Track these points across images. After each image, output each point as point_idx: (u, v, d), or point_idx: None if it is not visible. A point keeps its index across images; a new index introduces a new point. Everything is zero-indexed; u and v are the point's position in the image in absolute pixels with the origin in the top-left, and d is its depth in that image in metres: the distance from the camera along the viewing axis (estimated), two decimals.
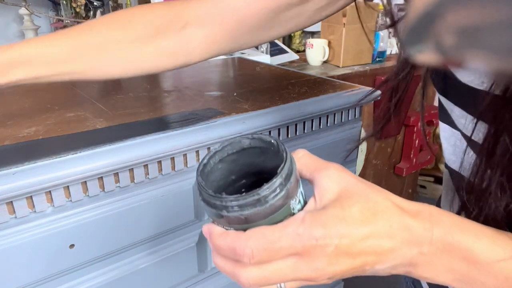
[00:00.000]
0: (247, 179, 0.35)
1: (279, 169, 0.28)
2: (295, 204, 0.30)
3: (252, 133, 0.33)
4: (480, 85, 0.34)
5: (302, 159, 0.32)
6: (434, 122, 1.90)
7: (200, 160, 0.33)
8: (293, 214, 0.30)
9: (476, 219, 0.32)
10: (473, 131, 0.36)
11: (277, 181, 0.28)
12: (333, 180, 0.29)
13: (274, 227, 0.27)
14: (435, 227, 0.28)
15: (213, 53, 0.56)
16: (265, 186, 0.28)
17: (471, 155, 0.38)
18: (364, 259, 0.28)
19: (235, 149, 0.32)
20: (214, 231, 0.29)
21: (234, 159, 0.33)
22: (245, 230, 0.28)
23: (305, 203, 0.31)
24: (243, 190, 0.34)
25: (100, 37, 0.49)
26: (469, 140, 0.37)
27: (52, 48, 0.48)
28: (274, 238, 0.27)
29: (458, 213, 0.37)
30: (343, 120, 0.85)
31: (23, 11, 1.54)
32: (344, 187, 0.29)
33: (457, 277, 0.29)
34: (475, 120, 0.35)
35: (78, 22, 1.77)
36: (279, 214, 0.29)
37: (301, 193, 0.31)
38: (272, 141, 0.31)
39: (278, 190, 0.28)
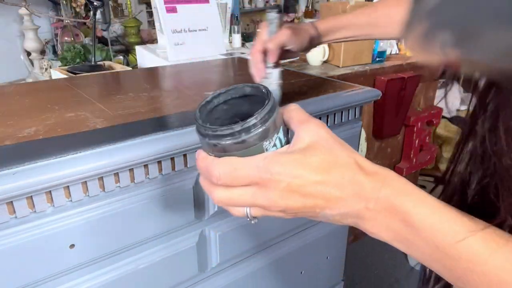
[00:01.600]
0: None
1: (257, 112, 0.32)
2: (269, 146, 0.33)
3: (253, 83, 0.37)
4: None
5: (292, 112, 0.35)
6: (434, 122, 1.90)
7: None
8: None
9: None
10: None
11: (251, 121, 0.32)
12: (308, 132, 0.33)
13: (241, 158, 0.32)
14: (384, 187, 0.31)
15: None
16: (241, 123, 0.32)
17: None
18: (313, 201, 0.31)
19: (238, 94, 0.37)
20: (200, 155, 0.35)
21: (237, 103, 0.37)
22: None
23: None
24: None
25: (386, 12, 0.73)
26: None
27: (356, 19, 0.74)
28: (238, 166, 0.32)
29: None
30: (343, 120, 0.85)
31: (23, 11, 1.54)
32: (315, 140, 0.32)
33: (396, 237, 0.31)
34: None
35: (78, 22, 1.77)
36: (250, 150, 0.33)
37: (279, 138, 0.34)
38: (263, 90, 0.35)
39: (252, 129, 0.32)
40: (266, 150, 0.33)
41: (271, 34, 0.66)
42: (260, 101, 0.34)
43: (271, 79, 0.68)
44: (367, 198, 0.31)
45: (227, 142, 0.32)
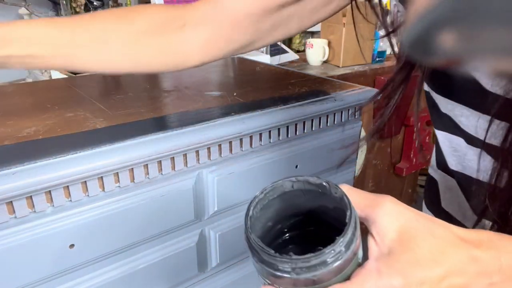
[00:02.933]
0: (282, 224, 0.33)
1: (347, 218, 0.27)
2: (359, 251, 0.28)
3: (296, 175, 0.29)
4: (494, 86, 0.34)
5: (350, 197, 0.29)
6: None
7: (245, 211, 0.30)
8: (359, 263, 0.29)
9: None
10: (487, 132, 0.36)
11: (349, 232, 0.26)
12: (391, 217, 0.28)
13: (351, 285, 0.27)
14: (502, 255, 0.28)
15: (211, 56, 0.55)
16: (339, 239, 0.26)
17: (488, 160, 0.37)
18: None
19: (276, 193, 0.30)
20: None
21: (272, 204, 0.31)
22: None
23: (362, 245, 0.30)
24: (288, 241, 0.32)
25: (101, 28, 0.47)
26: (483, 143, 0.37)
27: (52, 30, 0.45)
28: None
29: (480, 217, 0.36)
30: (343, 120, 0.85)
31: (23, 11, 1.54)
32: (404, 224, 0.28)
33: None
34: (487, 119, 0.35)
35: None
36: (349, 268, 0.27)
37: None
38: (324, 183, 0.29)
39: (350, 244, 0.26)
40: (359, 258, 0.28)
41: None
42: (301, 195, 0.29)
43: None
44: (489, 273, 0.28)
45: (324, 270, 0.26)
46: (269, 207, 0.31)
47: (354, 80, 1.52)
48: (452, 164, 0.46)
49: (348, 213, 0.27)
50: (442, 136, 0.47)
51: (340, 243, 0.26)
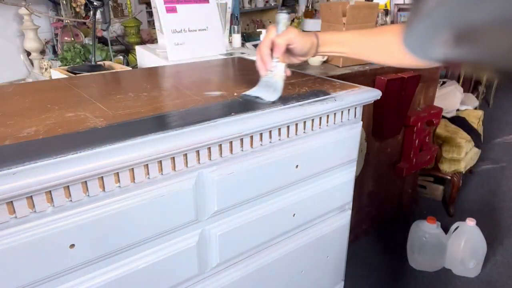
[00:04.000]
0: None
1: None
2: None
3: None
4: None
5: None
6: (434, 122, 1.90)
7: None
8: None
9: None
10: None
11: None
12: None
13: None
14: None
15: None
16: None
17: None
18: None
19: None
20: None
21: None
22: None
23: None
24: None
25: (384, 40, 0.76)
26: None
27: (355, 38, 0.78)
28: None
29: None
30: (343, 120, 0.85)
31: (23, 11, 1.54)
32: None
33: None
34: None
35: (78, 22, 1.77)
36: None
37: None
38: None
39: None
40: None
41: (280, 32, 0.72)
42: None
43: (275, 72, 0.73)
44: None
45: None
46: None
47: (354, 80, 1.51)
48: None
49: None
50: None
51: None
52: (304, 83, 0.88)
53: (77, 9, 1.79)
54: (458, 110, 2.50)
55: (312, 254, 0.95)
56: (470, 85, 3.42)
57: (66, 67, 1.36)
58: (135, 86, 0.87)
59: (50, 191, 0.52)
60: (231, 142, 0.68)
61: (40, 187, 0.49)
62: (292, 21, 3.38)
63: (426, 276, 1.76)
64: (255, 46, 1.88)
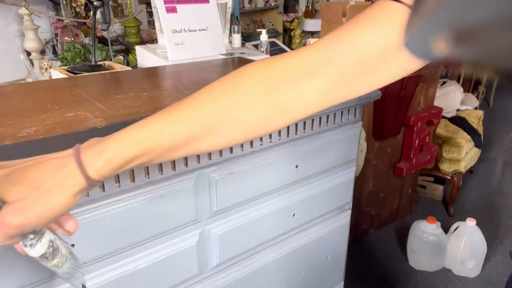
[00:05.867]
0: None
1: None
2: None
3: None
4: None
5: None
6: (434, 122, 1.90)
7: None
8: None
9: None
10: None
11: None
12: None
13: None
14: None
15: (328, 103, 0.48)
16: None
17: None
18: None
19: None
20: None
21: None
22: None
23: None
24: None
25: (218, 105, 0.47)
26: None
27: (173, 131, 0.45)
28: None
29: None
30: (343, 120, 0.85)
31: (23, 11, 1.54)
32: None
33: None
34: None
35: (78, 22, 1.77)
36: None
37: None
38: None
39: None
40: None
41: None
42: None
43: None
44: None
45: None
46: None
47: None
48: None
49: None
50: None
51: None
52: None
53: (77, 9, 1.79)
54: (458, 110, 2.50)
55: (312, 254, 0.95)
56: (470, 85, 3.42)
57: (66, 67, 1.36)
58: (135, 86, 0.87)
59: None
60: None
61: None
62: (292, 21, 3.38)
63: (426, 276, 1.76)
64: (255, 46, 1.88)
